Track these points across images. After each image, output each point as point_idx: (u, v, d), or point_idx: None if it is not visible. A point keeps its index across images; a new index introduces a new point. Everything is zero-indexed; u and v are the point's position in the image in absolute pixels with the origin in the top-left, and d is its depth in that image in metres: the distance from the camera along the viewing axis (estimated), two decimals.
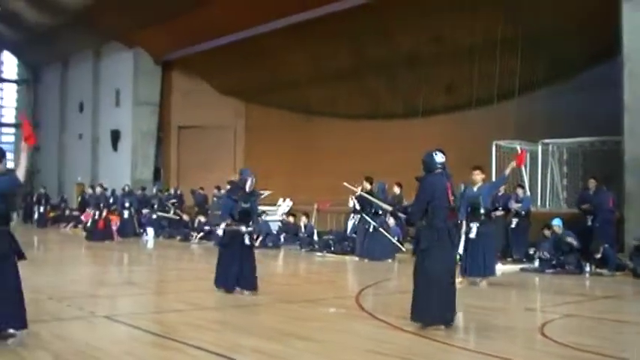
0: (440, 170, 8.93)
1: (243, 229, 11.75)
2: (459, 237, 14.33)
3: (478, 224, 13.48)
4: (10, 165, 7.94)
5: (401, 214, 10.40)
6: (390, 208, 13.10)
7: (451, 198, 8.96)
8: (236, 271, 11.63)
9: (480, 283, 13.48)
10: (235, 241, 11.74)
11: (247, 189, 11.95)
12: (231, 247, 11.77)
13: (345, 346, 7.85)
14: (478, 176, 13.77)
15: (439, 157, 8.94)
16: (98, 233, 25.27)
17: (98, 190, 27.17)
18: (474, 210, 13.58)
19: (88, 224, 26.32)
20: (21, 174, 7.68)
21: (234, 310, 10.60)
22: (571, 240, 16.11)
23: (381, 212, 18.69)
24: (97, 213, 25.57)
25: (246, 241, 11.78)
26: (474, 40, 23.76)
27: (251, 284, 11.70)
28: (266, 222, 23.78)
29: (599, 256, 16.02)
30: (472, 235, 13.48)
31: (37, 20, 39.43)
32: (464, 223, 13.76)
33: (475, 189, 13.72)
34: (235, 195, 11.99)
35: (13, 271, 7.72)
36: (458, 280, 13.50)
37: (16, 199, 30.67)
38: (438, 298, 8.61)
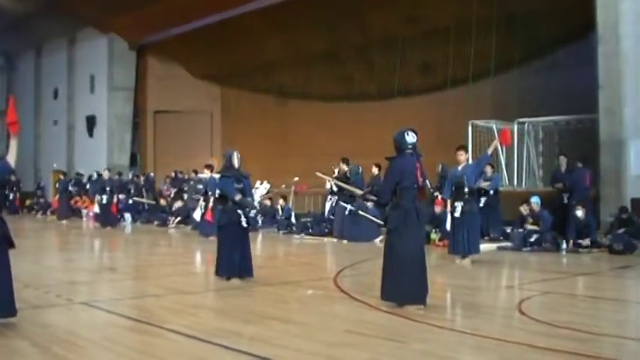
0: (410, 151, 8.94)
1: (240, 210, 11.48)
2: (444, 216, 14.49)
3: (462, 203, 13.67)
4: None
5: (372, 197, 10.42)
6: (360, 192, 13.14)
7: (420, 179, 8.97)
8: (238, 258, 11.25)
9: (463, 261, 13.58)
10: (232, 222, 11.40)
11: (236, 164, 11.67)
12: (229, 230, 11.39)
13: (325, 328, 7.86)
14: (462, 156, 13.97)
15: (410, 138, 8.93)
16: (111, 218, 25.40)
17: (106, 174, 26.77)
18: (458, 189, 13.75)
19: (97, 210, 26.24)
20: (12, 160, 7.61)
21: (213, 294, 10.59)
22: (531, 227, 16.43)
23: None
24: (105, 198, 25.51)
25: (244, 223, 11.49)
26: (448, 20, 23.78)
27: (249, 271, 11.41)
28: None
29: (580, 213, 16.19)
30: (456, 214, 13.68)
31: (9, 7, 38.97)
32: (449, 202, 14.00)
33: (460, 169, 13.87)
34: (228, 173, 11.66)
35: (5, 258, 7.69)
36: (457, 261, 13.69)
37: None
38: (409, 277, 8.66)
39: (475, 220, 13.87)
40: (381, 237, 18.18)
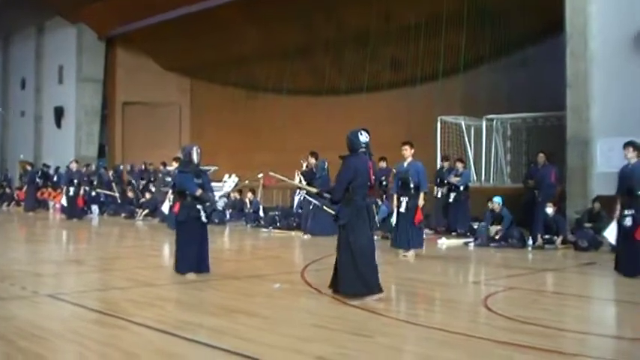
0: (363, 150, 9.19)
1: (199, 205, 11.33)
2: (392, 211, 14.59)
3: (407, 199, 13.88)
4: None
5: (326, 195, 10.50)
6: (315, 190, 13.19)
7: (372, 177, 9.23)
8: (195, 253, 11.18)
9: (408, 255, 13.68)
10: (191, 218, 11.27)
11: (195, 160, 11.57)
12: (187, 226, 11.28)
13: (291, 321, 7.88)
14: (407, 151, 14.11)
15: (364, 137, 9.21)
16: (78, 210, 25.19)
17: (74, 165, 26.39)
18: (404, 185, 13.94)
19: (64, 202, 25.93)
20: None
21: (179, 287, 10.54)
22: (495, 228, 16.48)
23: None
24: (73, 190, 25.27)
25: (203, 218, 11.35)
26: (419, 16, 23.83)
27: (207, 267, 11.33)
28: None
29: (549, 210, 16.23)
30: (402, 209, 13.87)
31: None
32: (395, 197, 14.15)
33: (405, 164, 14.04)
34: (187, 169, 11.55)
35: None
36: (403, 254, 13.81)
37: None
38: (367, 268, 8.87)
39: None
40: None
